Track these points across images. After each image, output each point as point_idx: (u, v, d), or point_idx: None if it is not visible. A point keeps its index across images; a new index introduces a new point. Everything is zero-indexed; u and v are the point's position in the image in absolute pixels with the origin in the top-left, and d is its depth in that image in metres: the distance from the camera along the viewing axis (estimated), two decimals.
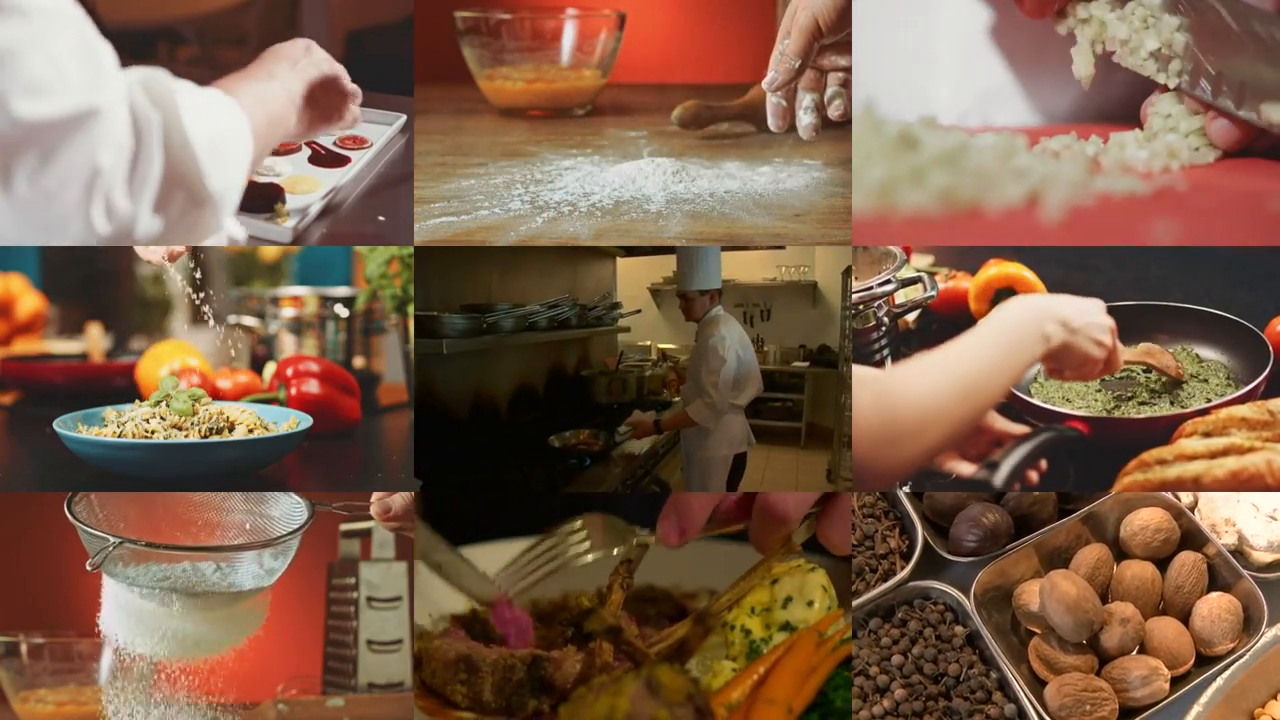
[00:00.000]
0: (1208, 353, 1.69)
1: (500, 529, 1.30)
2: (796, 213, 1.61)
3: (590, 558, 1.23)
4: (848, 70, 1.57)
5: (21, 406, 2.11)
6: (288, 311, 2.25)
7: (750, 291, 6.80)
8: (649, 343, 6.05)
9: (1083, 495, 1.51)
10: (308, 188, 1.57)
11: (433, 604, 1.32)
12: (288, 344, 2.24)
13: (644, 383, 4.19)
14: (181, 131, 1.13)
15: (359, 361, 2.26)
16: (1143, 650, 1.39)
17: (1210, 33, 1.48)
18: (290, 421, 1.57)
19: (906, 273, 1.76)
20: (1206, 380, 1.63)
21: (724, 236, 1.54)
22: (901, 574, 1.45)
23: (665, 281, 6.71)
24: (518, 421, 3.29)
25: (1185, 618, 1.41)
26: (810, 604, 1.19)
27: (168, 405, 1.51)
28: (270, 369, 1.93)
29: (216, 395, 1.85)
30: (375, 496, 1.32)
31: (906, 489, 1.52)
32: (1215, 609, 1.39)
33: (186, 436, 1.47)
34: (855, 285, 1.65)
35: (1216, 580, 1.44)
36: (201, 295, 1.84)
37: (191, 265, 2.34)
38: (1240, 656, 1.37)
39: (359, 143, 1.71)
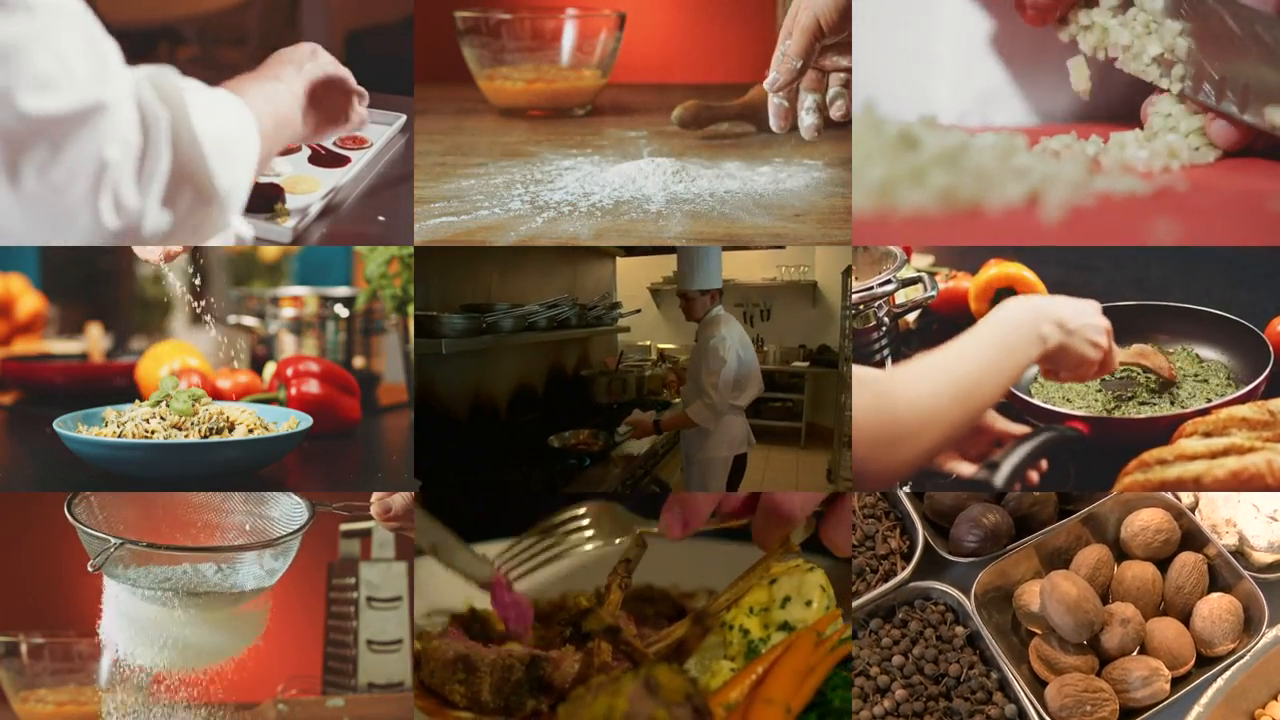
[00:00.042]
0: (1208, 353, 1.69)
1: (500, 529, 1.30)
2: (796, 213, 1.61)
3: (590, 546, 1.24)
4: (849, 71, 1.57)
5: (21, 406, 2.11)
6: (288, 311, 2.25)
7: (750, 291, 6.80)
8: (649, 342, 6.05)
9: (1083, 496, 1.51)
10: (308, 188, 1.57)
11: (431, 603, 1.32)
12: (288, 344, 2.24)
13: (644, 383, 4.19)
14: (190, 128, 1.13)
15: (359, 361, 2.26)
16: (1143, 651, 1.39)
17: (1213, 37, 1.48)
18: (290, 421, 1.57)
19: (907, 273, 1.76)
20: (1207, 380, 1.63)
21: (724, 236, 1.54)
22: (902, 574, 1.45)
23: (665, 281, 6.71)
24: (517, 421, 3.29)
25: (1186, 618, 1.41)
26: (808, 604, 1.19)
27: (168, 405, 1.51)
28: (270, 369, 1.93)
29: (216, 395, 1.85)
30: (375, 496, 1.32)
31: (907, 489, 1.52)
32: (1216, 609, 1.39)
33: (186, 436, 1.47)
34: (855, 285, 1.65)
35: (1217, 581, 1.44)
36: (200, 296, 1.84)
37: (191, 268, 2.34)
38: (1241, 657, 1.37)
39: (359, 143, 1.71)
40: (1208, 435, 1.43)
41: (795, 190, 1.70)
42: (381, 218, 1.55)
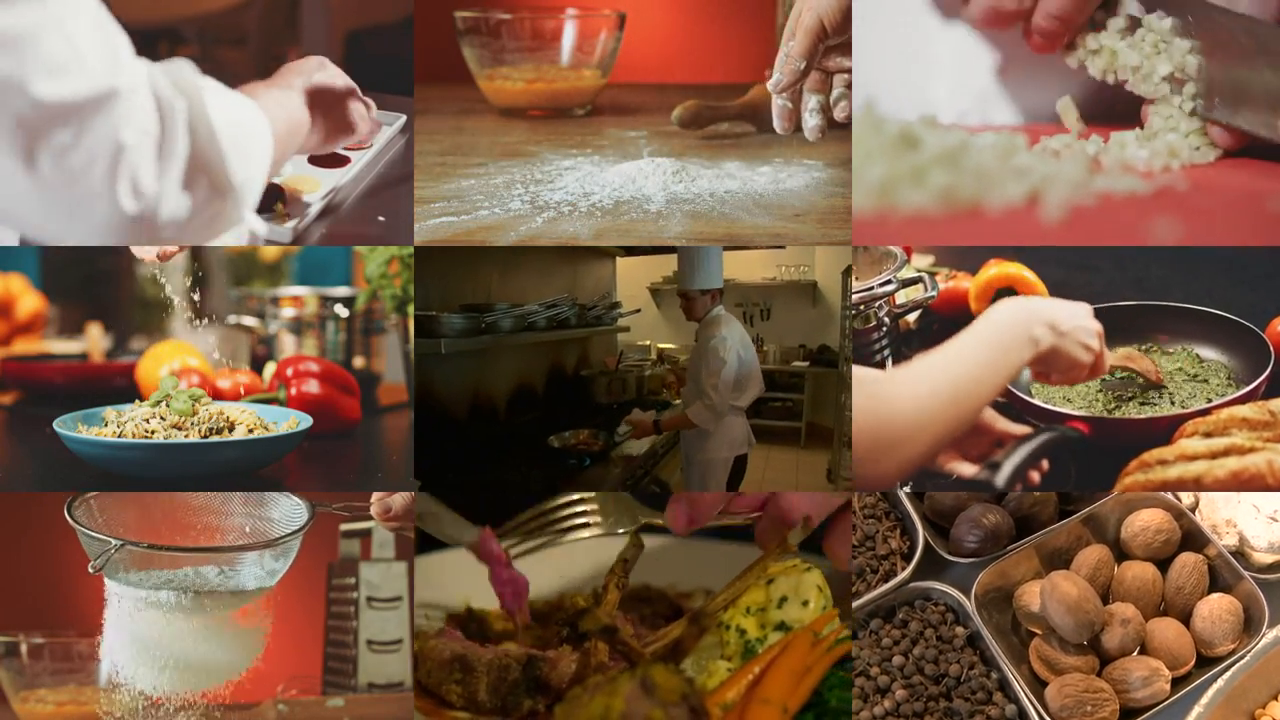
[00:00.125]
0: (1208, 353, 1.69)
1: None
2: (796, 213, 1.61)
3: (593, 532, 1.24)
4: (853, 71, 1.57)
5: (21, 406, 2.11)
6: (288, 311, 2.25)
7: (750, 291, 6.80)
8: (649, 342, 6.05)
9: (1083, 496, 1.51)
10: (308, 188, 1.57)
11: (428, 601, 1.32)
12: (288, 344, 2.24)
13: (644, 382, 4.19)
14: (206, 119, 1.14)
15: (359, 361, 2.26)
16: (1144, 651, 1.39)
17: (1223, 53, 1.48)
18: (290, 421, 1.57)
19: (907, 273, 1.76)
20: (1207, 380, 1.63)
21: (724, 236, 1.54)
22: (902, 575, 1.45)
23: (665, 281, 6.71)
24: (517, 421, 3.28)
25: (1186, 619, 1.41)
26: (805, 604, 1.19)
27: (168, 405, 1.51)
28: (270, 369, 1.93)
29: (216, 395, 1.85)
30: (375, 496, 1.32)
31: (907, 489, 1.52)
32: (1216, 610, 1.39)
33: (186, 436, 1.46)
34: (856, 285, 1.65)
35: (1217, 581, 1.44)
36: (199, 296, 1.85)
37: (190, 268, 2.34)
38: (1241, 657, 1.37)
39: (359, 143, 1.71)
40: (1208, 435, 1.43)
41: (795, 190, 1.70)
42: (381, 218, 1.55)
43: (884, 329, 1.68)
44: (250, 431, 1.51)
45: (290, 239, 1.47)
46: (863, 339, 1.67)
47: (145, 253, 1.47)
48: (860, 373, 1.21)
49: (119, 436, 1.46)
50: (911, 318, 1.94)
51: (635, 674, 0.99)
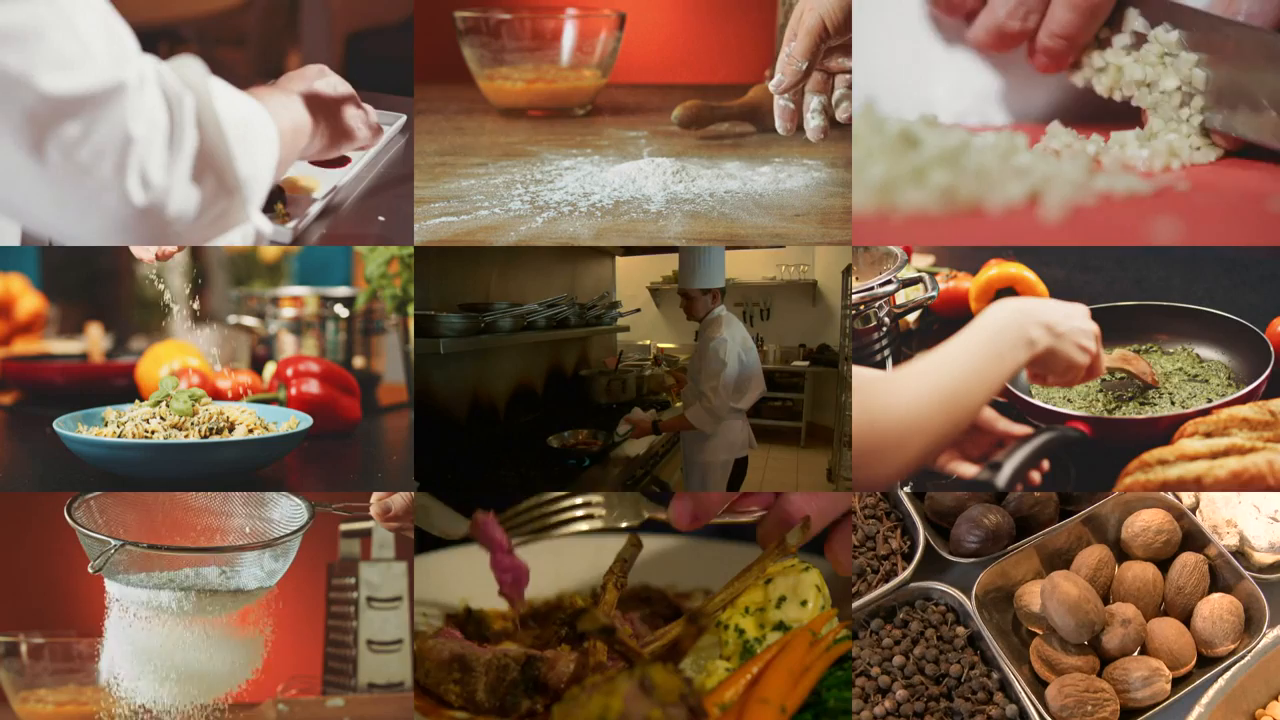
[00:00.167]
0: (1209, 353, 1.69)
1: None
2: (797, 213, 1.61)
3: (588, 526, 1.24)
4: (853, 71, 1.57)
5: (21, 406, 2.11)
6: (288, 311, 2.25)
7: (750, 290, 6.80)
8: (648, 342, 6.05)
9: (1084, 496, 1.51)
10: (307, 188, 1.57)
11: (426, 600, 1.32)
12: (288, 344, 2.24)
13: (643, 382, 4.18)
14: (214, 114, 1.15)
15: (359, 361, 2.26)
16: (1144, 651, 1.39)
17: (1229, 64, 1.47)
18: (290, 421, 1.57)
19: (907, 273, 1.76)
20: (1207, 380, 1.63)
21: (724, 236, 1.54)
22: (903, 575, 1.45)
23: (665, 280, 6.72)
24: (516, 421, 3.28)
25: (1186, 619, 1.41)
26: (804, 604, 1.19)
27: (168, 405, 1.51)
28: (270, 369, 1.93)
29: (216, 395, 1.85)
30: (375, 497, 1.32)
31: (908, 489, 1.52)
32: (1217, 610, 1.39)
33: (186, 436, 1.46)
34: (856, 285, 1.65)
35: (1218, 581, 1.44)
36: (199, 296, 1.85)
37: (188, 273, 2.34)
38: (1241, 657, 1.37)
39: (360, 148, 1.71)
40: (1209, 436, 1.43)
41: (795, 190, 1.70)
42: (381, 218, 1.55)
43: (884, 329, 1.67)
44: (250, 431, 1.51)
45: (290, 239, 1.47)
46: (863, 339, 1.67)
47: (144, 253, 1.47)
48: (860, 373, 1.21)
49: (119, 436, 1.46)
50: (911, 318, 1.94)
51: (634, 674, 0.99)
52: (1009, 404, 1.56)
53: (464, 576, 1.33)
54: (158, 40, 2.66)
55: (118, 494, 1.34)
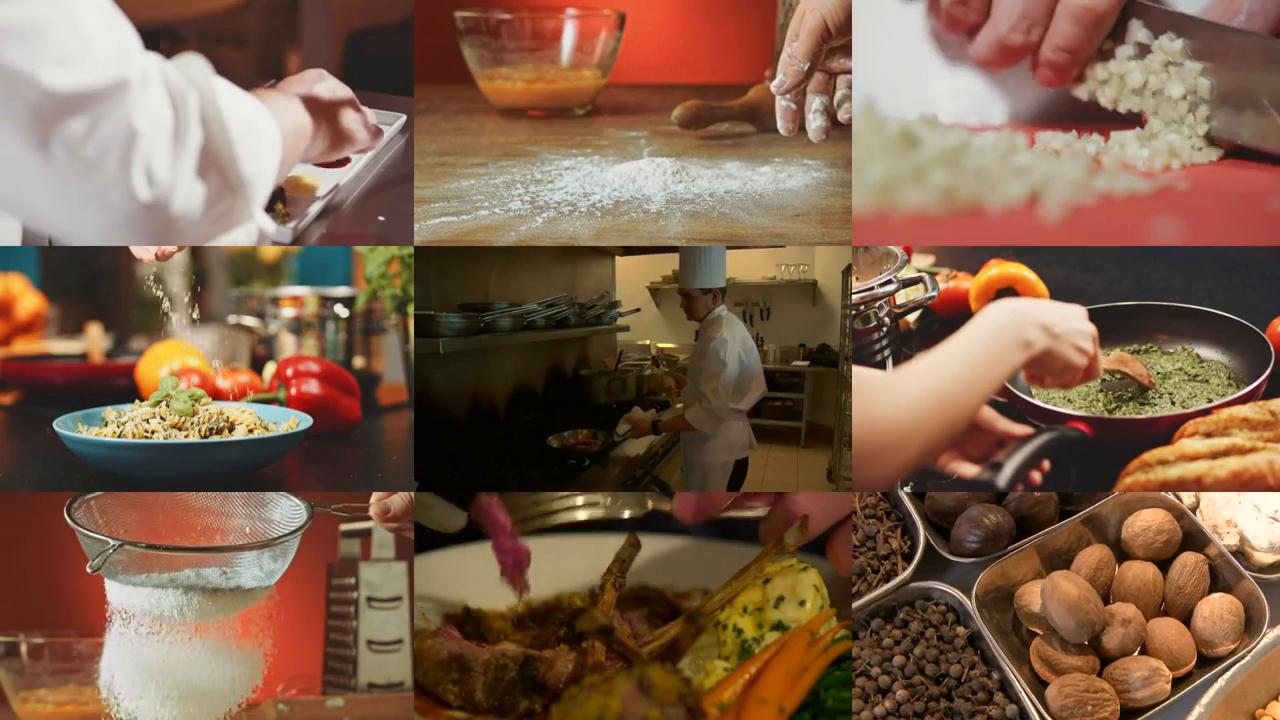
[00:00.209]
0: (1209, 353, 1.69)
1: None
2: (797, 213, 1.61)
3: (586, 514, 1.24)
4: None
5: (21, 406, 2.11)
6: (288, 311, 2.25)
7: (750, 290, 6.80)
8: (648, 342, 6.05)
9: (1084, 496, 1.51)
10: (307, 188, 1.57)
11: (425, 600, 1.32)
12: (288, 344, 2.24)
13: (643, 382, 4.18)
14: (218, 111, 1.15)
15: (359, 361, 2.26)
16: (1144, 651, 1.39)
17: (1231, 71, 1.47)
18: (290, 421, 1.57)
19: (907, 273, 1.76)
20: (1207, 380, 1.63)
21: (724, 236, 1.54)
22: (903, 575, 1.45)
23: (665, 280, 6.72)
24: (516, 421, 3.28)
25: (1187, 619, 1.41)
26: (802, 603, 1.19)
27: (168, 405, 1.51)
28: (270, 369, 1.93)
29: (216, 395, 1.85)
30: (375, 497, 1.32)
31: (908, 489, 1.52)
32: (1217, 610, 1.39)
33: (186, 436, 1.46)
34: (856, 285, 1.65)
35: (1218, 581, 1.44)
36: (198, 296, 1.85)
37: (188, 273, 2.34)
38: (1242, 657, 1.37)
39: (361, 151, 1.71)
40: (1209, 435, 1.43)
41: (795, 190, 1.69)
42: (381, 218, 1.55)
43: (884, 329, 1.67)
44: (250, 431, 1.51)
45: (290, 239, 1.47)
46: (863, 339, 1.67)
47: (144, 253, 1.47)
48: (860, 373, 1.21)
49: (119, 436, 1.46)
50: (912, 318, 1.94)
51: (632, 674, 0.99)
52: (1009, 404, 1.56)
53: (463, 576, 1.33)
54: (158, 40, 2.65)
55: (118, 494, 1.34)
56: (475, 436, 2.89)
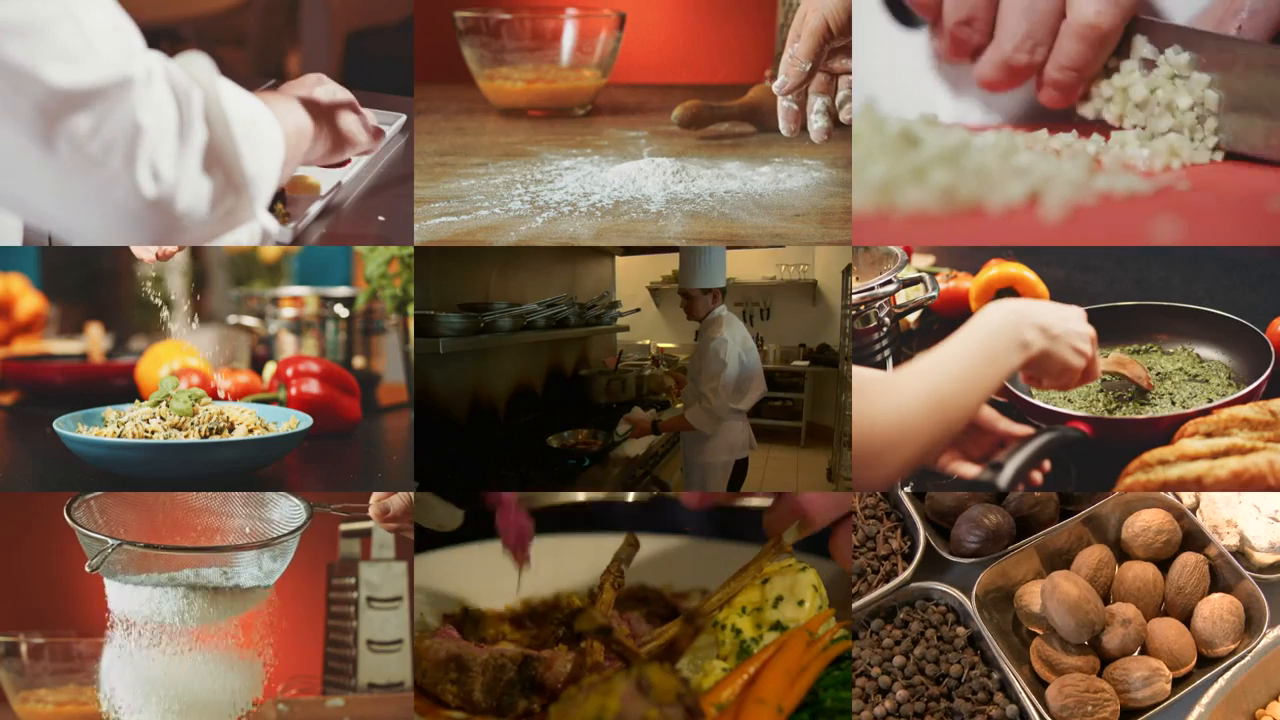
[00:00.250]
0: (1209, 353, 1.69)
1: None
2: (797, 213, 1.61)
3: (584, 495, 1.25)
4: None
5: (21, 406, 2.11)
6: (288, 311, 2.25)
7: (750, 290, 6.80)
8: (648, 342, 6.05)
9: (1084, 496, 1.51)
10: (308, 188, 1.57)
11: (423, 599, 1.32)
12: (288, 344, 2.24)
13: (643, 382, 4.18)
14: (221, 110, 1.16)
15: (359, 361, 2.26)
16: (1144, 651, 1.39)
17: (1240, 82, 1.47)
18: (290, 421, 1.57)
19: (908, 273, 1.76)
20: (1208, 380, 1.63)
21: (724, 236, 1.54)
22: (903, 575, 1.45)
23: (664, 280, 6.71)
24: (516, 421, 3.28)
25: (1187, 619, 1.41)
26: (801, 603, 1.19)
27: (168, 405, 1.51)
28: (270, 369, 1.93)
29: (216, 395, 1.85)
30: (374, 497, 1.32)
31: (908, 489, 1.52)
32: (1217, 610, 1.39)
33: (186, 436, 1.46)
34: (856, 285, 1.65)
35: (1218, 581, 1.44)
36: (198, 296, 1.85)
37: (188, 273, 2.34)
38: (1242, 657, 1.37)
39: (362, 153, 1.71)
40: (1209, 436, 1.43)
41: (795, 190, 1.69)
42: (381, 218, 1.55)
43: (884, 329, 1.67)
44: (250, 431, 1.51)
45: (290, 239, 1.47)
46: (863, 339, 1.67)
47: (144, 253, 1.47)
48: (860, 373, 1.21)
49: (119, 436, 1.46)
50: (912, 318, 1.94)
51: (631, 674, 0.99)
52: (1010, 404, 1.56)
53: (462, 576, 1.33)
54: (158, 40, 2.65)
55: (118, 494, 1.34)
56: (475, 436, 2.89)
